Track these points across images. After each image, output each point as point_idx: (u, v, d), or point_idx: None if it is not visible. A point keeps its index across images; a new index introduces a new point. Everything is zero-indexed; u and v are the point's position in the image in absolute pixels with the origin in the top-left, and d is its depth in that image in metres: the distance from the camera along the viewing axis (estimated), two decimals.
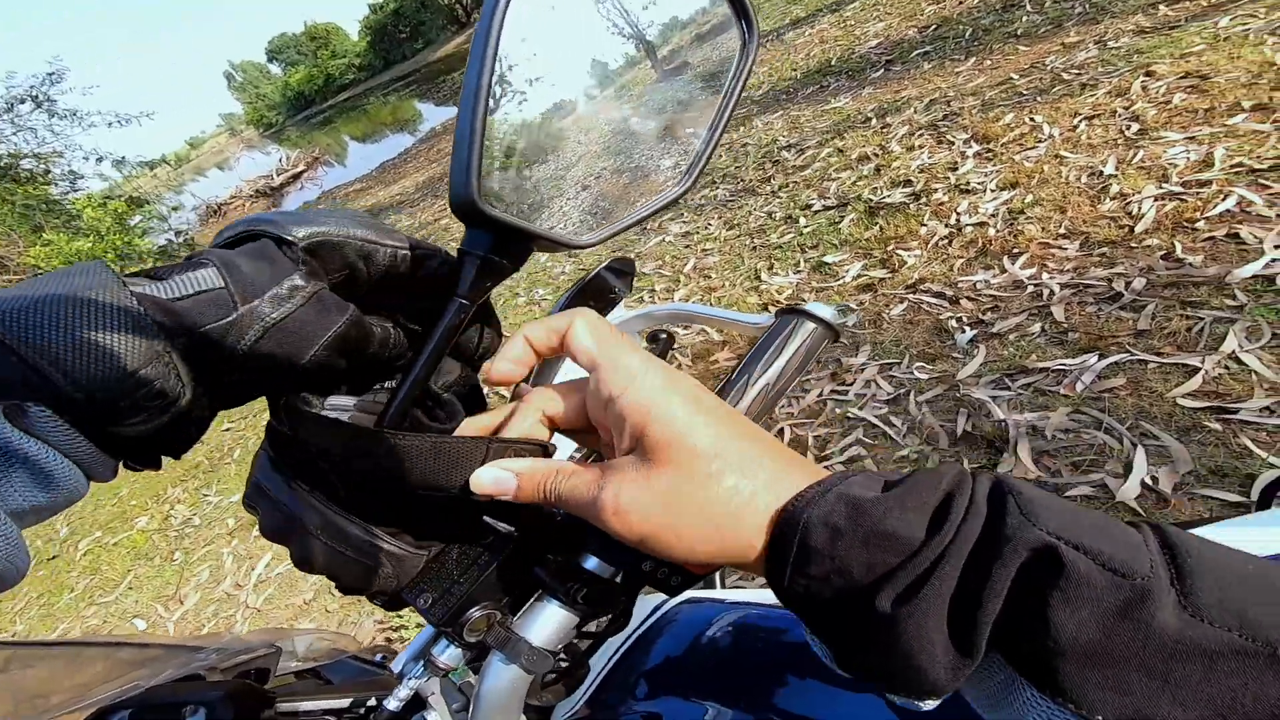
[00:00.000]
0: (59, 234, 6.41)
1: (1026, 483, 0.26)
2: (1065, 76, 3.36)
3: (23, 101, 9.82)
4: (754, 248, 3.38)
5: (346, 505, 0.37)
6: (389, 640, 2.22)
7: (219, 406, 0.32)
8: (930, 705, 0.26)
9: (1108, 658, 0.21)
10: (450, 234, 6.28)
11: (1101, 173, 2.52)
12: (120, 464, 0.32)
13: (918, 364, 2.15)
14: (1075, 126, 2.89)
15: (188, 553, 3.20)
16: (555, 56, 0.40)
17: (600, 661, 0.66)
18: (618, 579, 0.42)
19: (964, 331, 2.18)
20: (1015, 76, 3.66)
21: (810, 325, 0.53)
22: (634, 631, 0.64)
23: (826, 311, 0.53)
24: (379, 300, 0.37)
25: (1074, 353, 1.90)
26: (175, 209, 10.18)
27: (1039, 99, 3.29)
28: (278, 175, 17.57)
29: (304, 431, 0.34)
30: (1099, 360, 1.83)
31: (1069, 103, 3.09)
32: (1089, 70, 3.31)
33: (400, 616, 2.23)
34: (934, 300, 2.38)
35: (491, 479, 0.34)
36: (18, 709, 0.66)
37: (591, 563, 0.41)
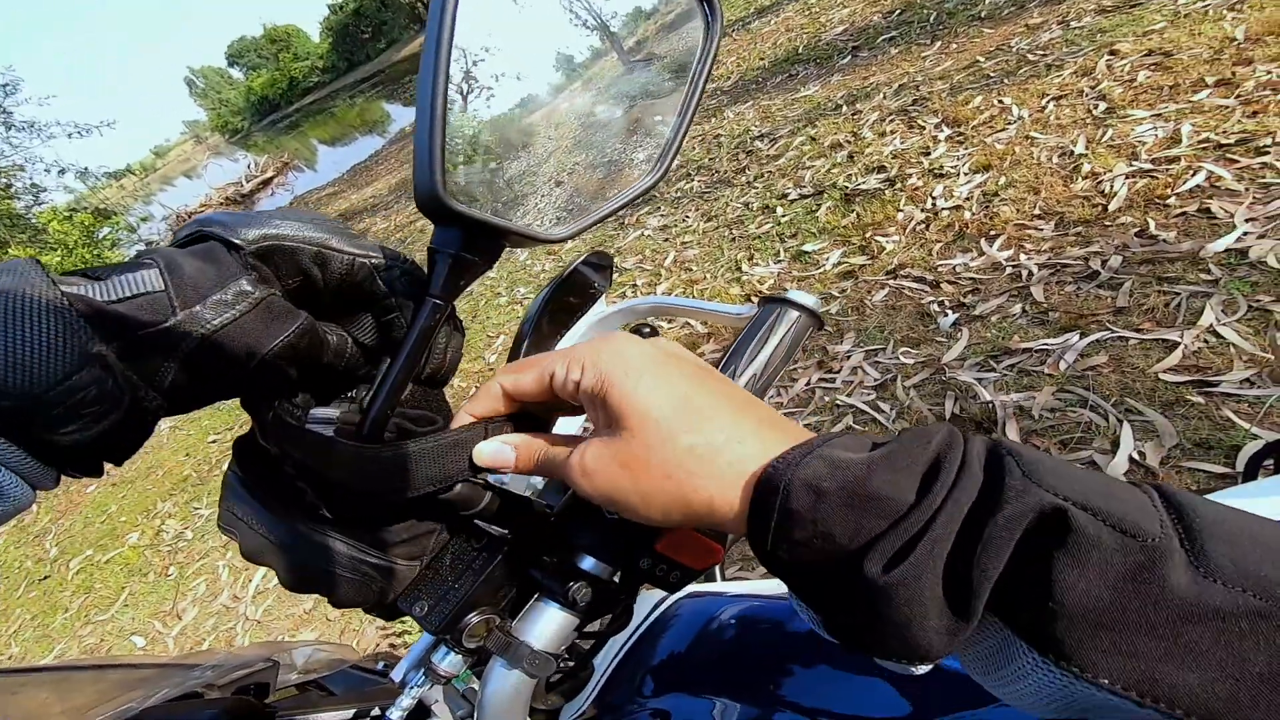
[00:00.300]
0: (25, 249, 6.18)
1: (1023, 444, 0.25)
2: (1031, 58, 3.37)
3: None
4: (733, 239, 3.36)
5: (328, 521, 0.36)
6: (392, 647, 2.18)
7: (166, 413, 0.31)
8: (923, 670, 0.25)
9: (1115, 621, 0.21)
10: (427, 236, 6.17)
11: (1072, 152, 2.53)
12: (60, 473, 0.30)
13: (903, 349, 2.14)
14: (1044, 107, 2.90)
15: (182, 567, 3.12)
16: (520, 50, 0.39)
17: (604, 661, 0.65)
18: (616, 578, 0.41)
19: (946, 315, 2.17)
20: (981, 59, 3.66)
21: (794, 313, 0.52)
22: (637, 629, 0.63)
23: (809, 299, 0.52)
24: (340, 308, 0.35)
25: (1055, 332, 1.90)
26: (144, 219, 9.89)
27: (1006, 81, 3.29)
28: (247, 182, 17.16)
29: (293, 449, 0.33)
30: (1080, 339, 1.83)
31: (1036, 84, 3.10)
32: (1054, 51, 3.32)
33: (403, 622, 2.19)
34: (915, 285, 2.38)
35: (491, 451, 0.35)
36: None
37: (588, 563, 0.40)
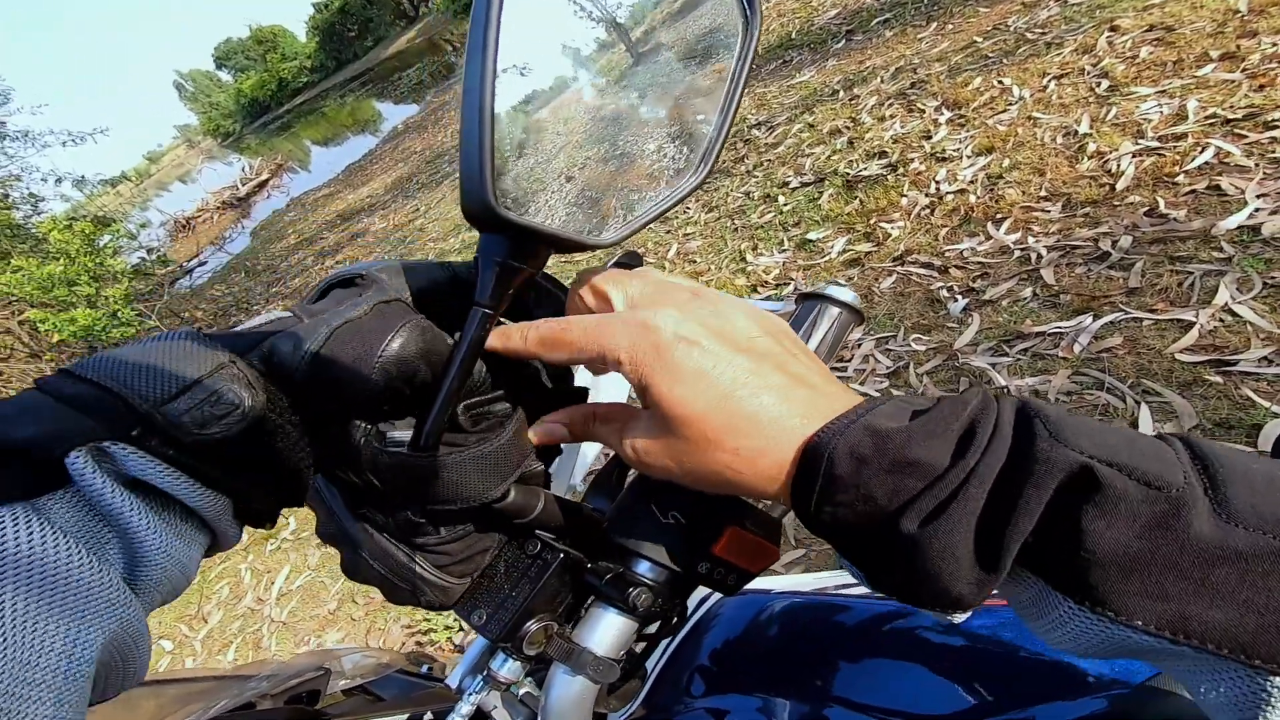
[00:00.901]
0: (28, 259, 6.12)
1: (1051, 405, 0.26)
2: (1029, 36, 3.33)
3: None
4: (735, 229, 3.33)
5: (390, 528, 0.37)
6: (419, 644, 2.18)
7: (304, 423, 0.32)
8: (960, 618, 0.27)
9: (1145, 567, 0.22)
10: (427, 235, 6.13)
11: (1076, 132, 2.50)
12: (237, 518, 0.32)
13: (914, 336, 2.13)
14: (1045, 87, 2.86)
15: (204, 570, 3.11)
16: (560, 52, 0.39)
17: (651, 663, 0.65)
18: (671, 582, 0.41)
19: (956, 300, 2.15)
20: (979, 39, 3.61)
21: (834, 310, 0.51)
22: (674, 635, 0.63)
23: (848, 294, 0.52)
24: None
25: (1068, 315, 1.89)
26: (143, 226, 9.79)
27: (1005, 61, 3.25)
28: (243, 185, 17.00)
29: (354, 463, 0.34)
30: (1094, 321, 1.82)
31: (1036, 63, 3.06)
32: (1052, 29, 3.27)
33: (427, 620, 2.18)
34: (923, 271, 2.36)
35: (544, 430, 0.37)
36: None
37: (643, 567, 0.40)
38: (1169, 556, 0.22)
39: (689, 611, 0.69)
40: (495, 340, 0.34)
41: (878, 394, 2.01)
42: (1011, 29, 3.51)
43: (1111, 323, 1.79)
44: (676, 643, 0.63)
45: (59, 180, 10.14)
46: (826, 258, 2.73)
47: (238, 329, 0.31)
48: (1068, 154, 2.45)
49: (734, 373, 0.30)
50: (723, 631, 0.62)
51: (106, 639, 0.28)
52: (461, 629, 2.13)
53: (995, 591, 0.26)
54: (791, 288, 2.68)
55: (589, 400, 0.41)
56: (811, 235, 2.90)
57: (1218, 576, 0.21)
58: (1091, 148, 2.38)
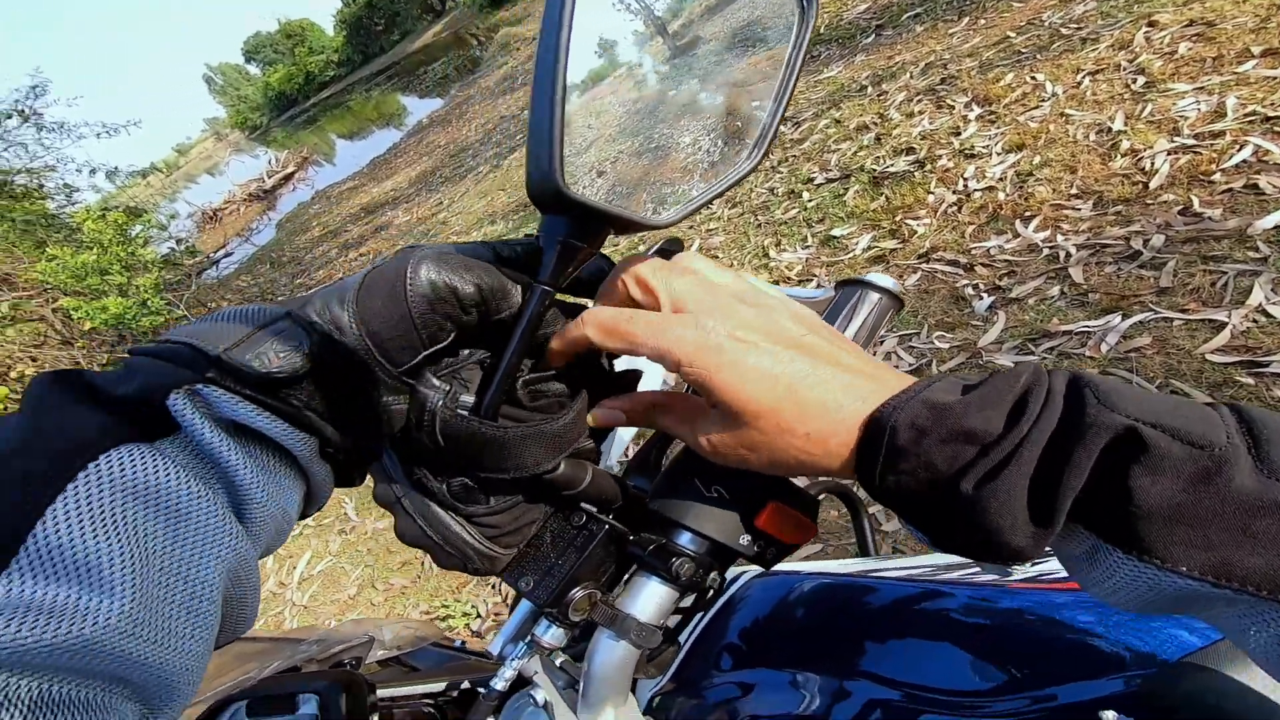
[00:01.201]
0: (62, 248, 6.32)
1: (1101, 375, 0.28)
2: (1064, 31, 3.29)
3: (9, 116, 9.64)
4: (759, 225, 3.34)
5: (444, 497, 0.39)
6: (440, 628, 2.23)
7: (365, 372, 0.34)
8: (1019, 573, 0.30)
9: (1190, 518, 0.24)
10: (449, 228, 6.21)
11: (1110, 129, 2.48)
12: (326, 462, 0.36)
13: (937, 333, 2.13)
14: (1079, 83, 2.83)
15: None
16: (617, 33, 0.40)
17: (682, 637, 0.67)
18: (713, 553, 0.43)
19: (981, 298, 2.15)
20: (1012, 35, 3.58)
21: (875, 295, 0.52)
22: (711, 608, 0.64)
23: (888, 281, 0.52)
24: None
25: (1096, 314, 1.88)
26: (172, 217, 10.03)
27: (1039, 56, 3.22)
28: (269, 177, 17.34)
29: (437, 431, 0.36)
30: (1122, 320, 1.81)
31: (1070, 59, 3.03)
32: (1088, 24, 3.23)
33: (445, 606, 2.24)
34: (948, 269, 2.35)
35: (603, 414, 0.40)
36: None
37: (685, 538, 0.42)
38: (1212, 508, 0.24)
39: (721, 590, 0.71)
40: (556, 342, 0.37)
41: None
42: (1046, 24, 3.47)
43: (1141, 322, 1.78)
44: (708, 619, 0.65)
45: (93, 171, 10.45)
46: (850, 254, 2.73)
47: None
48: (1100, 151, 2.42)
49: (795, 367, 0.32)
50: (753, 609, 0.64)
51: (227, 569, 0.31)
52: (479, 616, 2.18)
53: (1049, 549, 0.28)
54: (815, 284, 2.68)
55: (639, 384, 0.43)
56: (836, 232, 2.90)
57: (1259, 526, 0.23)
58: (1125, 145, 2.36)
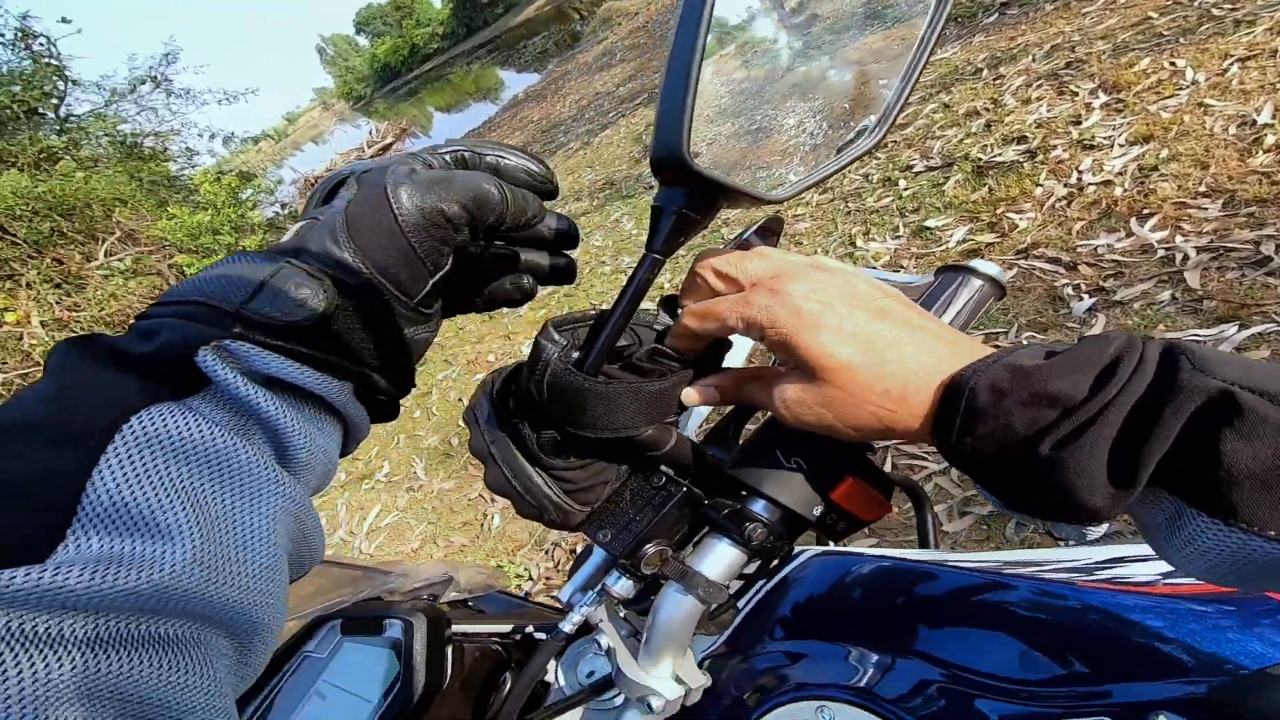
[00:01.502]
0: (181, 208, 7.02)
1: (1198, 344, 0.29)
2: (1216, 13, 3.06)
3: (144, 82, 10.75)
4: (848, 212, 3.31)
5: (532, 453, 0.43)
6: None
7: (379, 305, 0.38)
8: (1095, 534, 0.31)
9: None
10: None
11: (1254, 122, 2.31)
12: (362, 402, 0.39)
13: (1027, 334, 2.08)
14: (1225, 70, 2.64)
15: None
16: (737, 8, 0.41)
17: (740, 603, 0.70)
18: (785, 521, 0.45)
19: (1081, 299, 2.08)
20: (1154, 15, 3.35)
21: (977, 282, 0.53)
22: (769, 579, 0.67)
23: (992, 268, 0.53)
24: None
25: (1210, 322, 1.79)
26: (279, 183, 10.91)
27: (1182, 40, 3.01)
28: (368, 148, 18.43)
29: (545, 382, 0.39)
30: (1239, 330, 1.71)
31: (1219, 43, 2.82)
32: (1245, 4, 2.99)
33: (501, 566, 2.40)
34: (1048, 266, 2.28)
35: (702, 393, 0.42)
36: None
37: (759, 505, 0.45)
38: None
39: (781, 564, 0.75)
40: (672, 340, 0.41)
41: None
42: (1195, 4, 3.23)
43: (1260, 333, 1.68)
44: (767, 589, 0.67)
45: (212, 136, 11.48)
46: (943, 247, 2.68)
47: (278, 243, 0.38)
48: (1240, 147, 2.27)
49: (873, 328, 0.34)
50: (811, 585, 0.66)
51: (280, 514, 0.33)
52: (531, 579, 2.33)
53: (1127, 516, 0.29)
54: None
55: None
56: (930, 223, 2.85)
57: None
58: (1270, 140, 2.19)
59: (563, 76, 13.10)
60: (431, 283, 0.38)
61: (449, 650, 0.68)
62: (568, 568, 2.26)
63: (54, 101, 9.49)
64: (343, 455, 0.41)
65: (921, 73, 0.43)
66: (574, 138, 8.03)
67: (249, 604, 0.30)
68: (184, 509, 0.28)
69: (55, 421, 0.28)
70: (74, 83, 9.66)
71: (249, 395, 0.32)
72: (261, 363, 0.33)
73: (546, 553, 2.37)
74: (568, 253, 0.49)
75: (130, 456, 0.28)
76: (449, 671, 0.67)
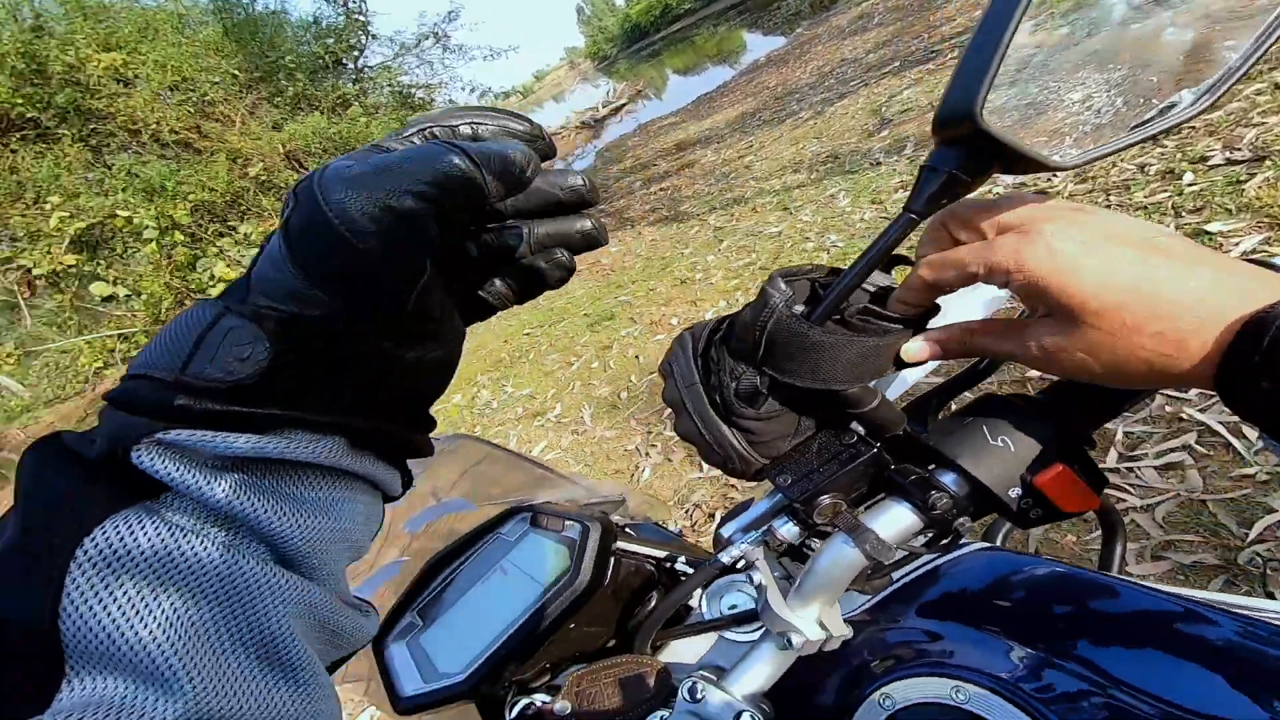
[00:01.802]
0: None
1: None
2: None
3: (427, 38, 12.37)
4: (1108, 206, 2.89)
5: (720, 406, 0.46)
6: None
7: (361, 314, 0.33)
8: None
9: None
10: (751, 172, 6.44)
11: None
12: (373, 453, 0.35)
13: None
14: None
15: (484, 429, 4.00)
16: None
17: (896, 575, 0.70)
18: (973, 497, 0.46)
19: None
20: None
21: None
22: (925, 563, 0.68)
23: None
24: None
25: None
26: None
27: None
28: (602, 108, 19.55)
29: (768, 327, 0.42)
30: None
31: None
32: None
33: None
34: None
35: (918, 348, 0.42)
36: (474, 490, 1.10)
37: (949, 478, 0.46)
38: None
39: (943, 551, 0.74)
40: (900, 293, 0.40)
41: (1219, 425, 1.69)
42: None
43: None
44: (925, 568, 0.68)
45: (472, 90, 12.94)
46: None
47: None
48: None
49: (1142, 265, 0.32)
50: (972, 576, 0.65)
51: (292, 621, 0.30)
52: None
53: None
54: None
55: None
56: (1213, 226, 2.40)
57: None
58: None
59: (810, 41, 12.75)
60: (414, 295, 0.32)
61: (611, 560, 0.78)
62: (705, 528, 2.32)
63: (355, 53, 11.32)
64: (388, 501, 0.39)
65: (1276, 39, 0.38)
66: (806, 106, 7.84)
67: (286, 712, 0.29)
68: (171, 638, 0.25)
69: (24, 542, 0.26)
70: (373, 37, 11.43)
71: (208, 493, 0.28)
72: (208, 445, 0.28)
73: (686, 512, 2.46)
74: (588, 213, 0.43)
75: (90, 581, 0.25)
76: (608, 578, 0.77)
